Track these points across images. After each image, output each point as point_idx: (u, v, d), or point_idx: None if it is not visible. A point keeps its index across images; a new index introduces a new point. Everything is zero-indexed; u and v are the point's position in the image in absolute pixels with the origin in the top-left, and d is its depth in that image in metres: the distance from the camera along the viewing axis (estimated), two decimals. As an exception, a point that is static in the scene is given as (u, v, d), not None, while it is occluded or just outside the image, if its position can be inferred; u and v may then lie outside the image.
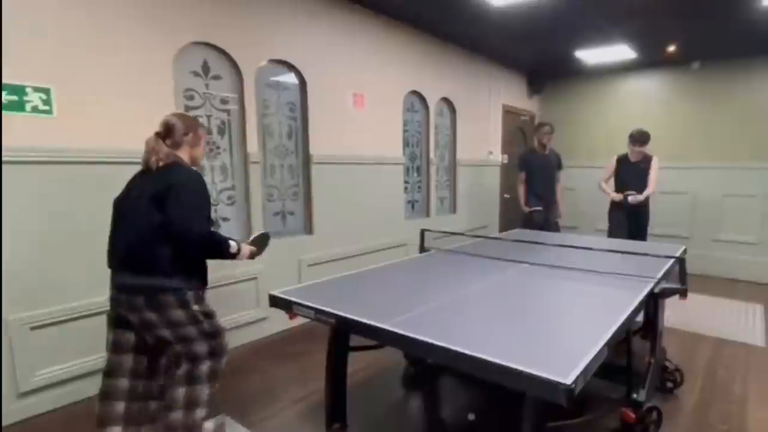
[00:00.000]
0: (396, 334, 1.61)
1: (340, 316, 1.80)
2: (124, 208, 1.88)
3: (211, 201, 3.07)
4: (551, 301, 2.04)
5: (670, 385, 2.67)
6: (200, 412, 1.85)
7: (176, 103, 2.82)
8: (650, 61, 5.57)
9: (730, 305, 4.40)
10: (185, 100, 2.90)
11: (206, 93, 3.00)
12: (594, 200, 6.02)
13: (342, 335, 2.22)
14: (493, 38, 4.82)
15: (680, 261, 2.36)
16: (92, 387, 2.57)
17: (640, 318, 2.74)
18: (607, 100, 6.27)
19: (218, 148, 3.10)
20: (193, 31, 2.86)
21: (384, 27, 4.16)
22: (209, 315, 1.90)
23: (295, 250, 3.60)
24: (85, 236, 2.46)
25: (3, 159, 2.16)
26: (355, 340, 2.04)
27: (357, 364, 2.89)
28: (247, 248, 2.05)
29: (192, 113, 2.94)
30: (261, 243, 2.18)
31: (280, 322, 3.43)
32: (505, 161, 6.26)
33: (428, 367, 2.82)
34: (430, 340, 1.51)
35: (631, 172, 4.39)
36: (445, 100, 5.13)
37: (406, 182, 4.71)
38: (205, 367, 1.89)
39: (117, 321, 1.87)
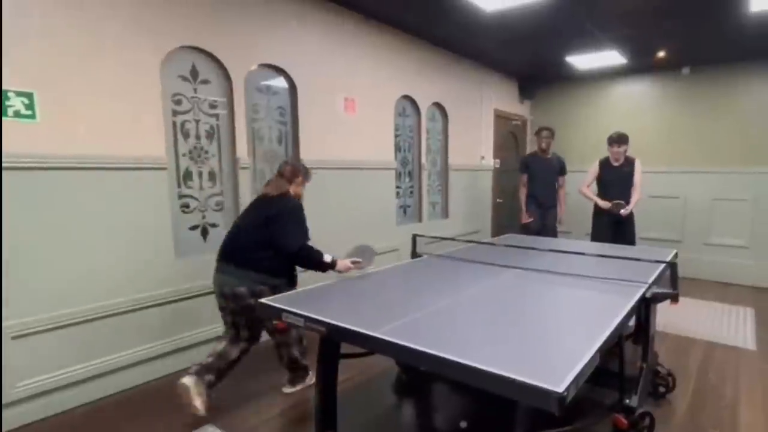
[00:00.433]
0: (386, 341, 1.58)
1: (331, 324, 1.77)
2: (243, 220, 2.54)
3: (201, 208, 3.05)
4: (543, 307, 2.03)
5: (662, 389, 2.66)
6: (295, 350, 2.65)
7: (164, 108, 2.78)
8: (640, 66, 5.61)
9: (722, 309, 4.41)
10: (173, 105, 2.87)
11: (194, 97, 2.97)
12: (586, 205, 6.04)
13: (332, 343, 2.19)
14: (485, 43, 4.83)
15: (671, 266, 2.35)
16: (75, 398, 2.52)
17: (632, 322, 2.74)
18: (598, 105, 6.31)
19: (206, 153, 3.06)
20: (182, 35, 2.83)
21: (375, 31, 4.16)
22: None
23: (286, 255, 3.55)
24: (68, 244, 2.41)
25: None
26: (346, 346, 2.01)
27: (348, 370, 2.86)
28: (343, 262, 2.44)
29: (180, 118, 2.91)
30: (363, 255, 2.51)
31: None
32: (497, 166, 6.27)
33: (420, 374, 2.79)
34: (420, 348, 1.48)
35: (614, 176, 4.39)
36: (437, 104, 5.13)
37: (398, 187, 4.69)
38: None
39: (220, 295, 2.50)
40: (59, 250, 2.40)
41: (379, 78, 4.27)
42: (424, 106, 4.89)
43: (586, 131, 6.36)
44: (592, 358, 1.43)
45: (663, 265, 2.51)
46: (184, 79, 2.92)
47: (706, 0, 3.53)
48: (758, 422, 2.43)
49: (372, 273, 2.59)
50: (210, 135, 3.07)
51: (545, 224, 4.94)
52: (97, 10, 2.45)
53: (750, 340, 3.59)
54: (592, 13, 3.84)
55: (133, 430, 2.37)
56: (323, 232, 3.75)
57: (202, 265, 3.02)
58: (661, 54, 5.05)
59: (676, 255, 2.97)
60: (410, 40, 4.56)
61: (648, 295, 2.14)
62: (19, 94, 2.20)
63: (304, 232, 2.49)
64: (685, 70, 5.59)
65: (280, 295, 2.20)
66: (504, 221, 6.42)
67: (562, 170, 5.01)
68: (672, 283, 2.26)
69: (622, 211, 4.26)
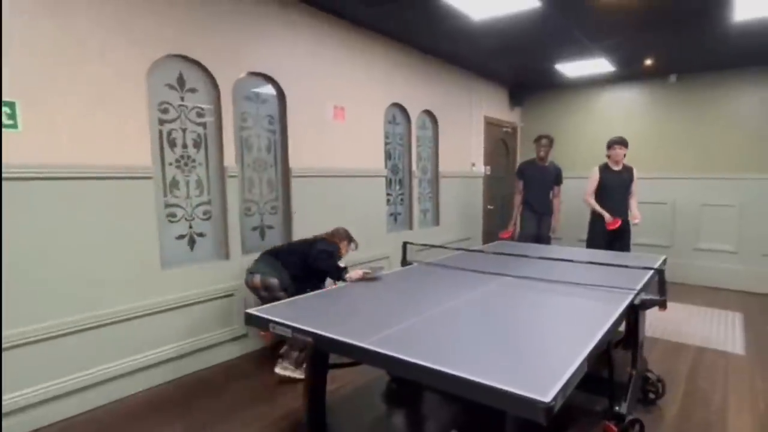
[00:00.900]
0: (373, 352, 1.57)
1: (318, 335, 1.76)
2: (282, 249, 3.17)
3: (188, 217, 3.02)
4: (531, 315, 2.02)
5: (652, 396, 2.66)
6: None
7: (150, 117, 2.76)
8: (629, 74, 5.68)
9: (711, 313, 4.44)
10: (160, 114, 2.84)
11: (181, 106, 2.95)
12: (576, 211, 6.08)
13: (320, 353, 2.16)
14: (474, 51, 4.86)
15: (659, 272, 2.36)
16: (58, 412, 2.47)
17: (622, 328, 2.74)
18: (587, 111, 6.36)
19: (194, 161, 3.04)
20: (169, 44, 2.81)
21: (364, 40, 4.17)
22: None
23: (275, 264, 3.53)
24: (49, 256, 2.37)
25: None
26: (335, 356, 1.99)
27: (337, 380, 2.84)
28: (356, 271, 2.70)
29: (166, 127, 2.88)
30: (375, 272, 2.72)
31: (258, 339, 3.36)
32: (488, 173, 6.29)
33: (410, 384, 2.77)
34: (406, 358, 1.47)
35: (615, 182, 4.40)
36: (427, 112, 5.15)
37: (388, 195, 4.69)
38: None
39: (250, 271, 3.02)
40: (40, 262, 2.35)
41: (369, 86, 4.28)
42: (415, 113, 4.90)
43: (575, 138, 6.41)
44: (580, 366, 1.42)
45: (651, 272, 2.52)
46: (171, 87, 2.90)
47: (692, 10, 3.58)
48: (747, 427, 2.44)
49: (361, 281, 2.58)
50: (197, 143, 3.05)
51: (540, 232, 4.96)
52: (81, 19, 2.43)
53: (739, 344, 3.60)
54: (580, 22, 3.89)
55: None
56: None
57: (189, 275, 2.99)
58: (649, 62, 5.12)
59: (664, 261, 2.98)
60: (400, 48, 4.58)
61: (636, 301, 2.14)
62: (1, 103, 2.17)
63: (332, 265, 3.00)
64: (673, 78, 5.67)
65: (269, 305, 2.18)
66: (495, 228, 6.42)
67: (557, 179, 5.04)
68: (660, 289, 2.27)
69: (634, 222, 4.33)
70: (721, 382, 2.96)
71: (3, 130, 2.18)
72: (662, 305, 2.20)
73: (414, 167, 4.96)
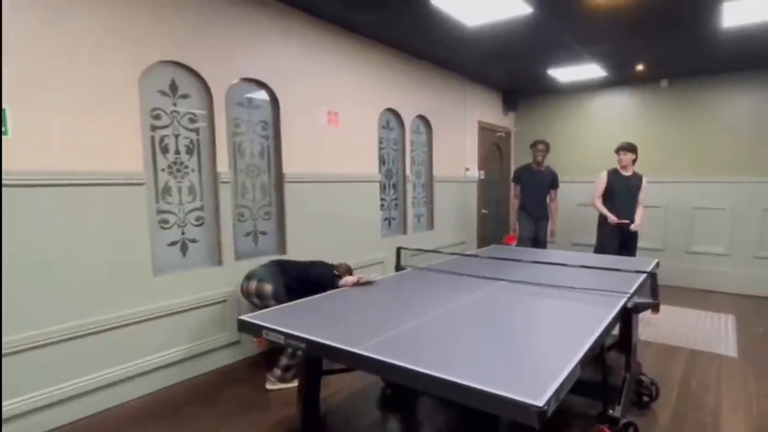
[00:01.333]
0: (366, 357, 1.56)
1: (311, 340, 1.75)
2: (289, 262, 3.20)
3: (180, 223, 3.00)
4: (525, 319, 2.02)
5: (646, 399, 2.67)
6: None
7: (142, 123, 2.75)
8: (620, 79, 5.72)
9: (704, 316, 4.46)
10: (152, 120, 2.83)
11: (174, 112, 2.94)
12: (569, 216, 6.12)
13: (314, 359, 2.16)
14: (468, 57, 4.89)
15: (652, 276, 2.37)
16: (50, 421, 2.44)
17: (616, 331, 2.75)
18: (580, 116, 6.40)
19: (186, 167, 3.03)
20: (161, 50, 2.81)
21: (358, 45, 4.18)
22: None
23: (269, 270, 3.51)
24: (39, 264, 2.35)
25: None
26: (329, 362, 1.98)
27: (332, 386, 2.82)
28: (350, 278, 2.74)
29: (158, 133, 2.87)
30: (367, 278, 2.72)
31: (251, 345, 3.33)
32: (482, 177, 6.30)
33: (405, 389, 2.76)
34: (399, 364, 1.47)
35: (623, 187, 4.40)
36: (421, 117, 5.16)
37: (382, 200, 4.69)
38: None
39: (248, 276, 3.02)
40: (30, 270, 2.33)
41: (363, 91, 4.28)
42: (408, 118, 4.92)
43: (568, 143, 6.45)
44: (573, 370, 1.42)
45: (644, 275, 2.54)
46: (163, 93, 2.89)
47: (682, 17, 3.62)
48: (740, 429, 2.44)
49: (355, 287, 2.57)
50: (190, 149, 3.04)
51: (537, 237, 4.98)
52: (72, 25, 2.42)
53: (732, 347, 3.62)
54: (572, 28, 3.92)
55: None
56: (308, 245, 3.73)
57: (182, 281, 2.97)
58: (640, 67, 5.16)
59: (657, 265, 3.00)
60: (394, 54, 4.60)
61: (629, 305, 2.15)
62: (1, 108, 2.16)
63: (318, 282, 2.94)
64: (664, 83, 5.72)
65: (262, 311, 2.17)
66: (489, 232, 6.44)
67: (554, 183, 5.07)
68: (652, 293, 2.28)
69: (632, 227, 4.32)
70: (715, 385, 2.97)
71: (-7, 136, 2.17)
72: (655, 308, 2.21)
73: (408, 172, 4.96)
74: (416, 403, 2.77)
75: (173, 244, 2.99)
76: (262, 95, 3.48)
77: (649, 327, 4.04)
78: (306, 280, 2.96)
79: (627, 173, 4.42)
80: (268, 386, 2.92)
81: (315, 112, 3.81)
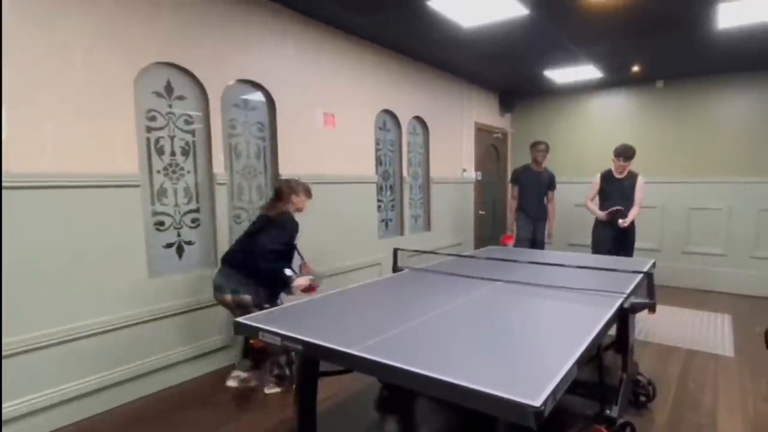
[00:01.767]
0: (363, 358, 1.55)
1: (308, 342, 1.74)
2: (236, 255, 2.85)
3: (176, 225, 2.99)
4: (521, 320, 2.02)
5: (643, 399, 2.67)
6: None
7: (137, 125, 2.74)
8: (616, 80, 5.74)
9: (701, 316, 4.47)
10: (147, 121, 2.82)
11: (169, 113, 2.93)
12: (566, 216, 6.12)
13: (311, 361, 2.15)
14: (464, 58, 4.89)
15: (648, 276, 2.38)
16: (43, 425, 2.42)
17: (613, 331, 2.75)
18: (577, 117, 6.42)
19: (182, 169, 3.01)
20: (156, 51, 2.80)
21: (355, 47, 4.18)
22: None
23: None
24: (34, 266, 2.34)
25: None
26: (326, 364, 1.97)
27: (329, 388, 2.81)
28: (302, 279, 2.75)
29: (154, 134, 2.86)
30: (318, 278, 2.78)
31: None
32: (479, 178, 6.31)
33: (403, 390, 2.76)
34: (396, 365, 1.46)
35: (615, 188, 4.39)
36: (418, 118, 5.16)
37: (379, 201, 4.68)
38: None
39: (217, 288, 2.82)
40: (24, 272, 2.31)
41: (359, 92, 4.28)
42: (405, 119, 4.92)
43: (565, 143, 6.46)
44: (570, 370, 1.42)
45: (641, 276, 2.54)
46: (159, 95, 2.88)
47: (678, 18, 3.64)
48: (737, 428, 2.45)
49: (353, 288, 2.56)
50: (186, 151, 3.03)
51: (535, 237, 4.98)
52: (65, 26, 2.41)
53: (728, 346, 3.63)
54: (568, 30, 3.93)
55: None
56: (304, 247, 3.72)
57: (178, 283, 2.96)
58: (636, 68, 5.18)
59: (653, 265, 3.00)
60: (390, 55, 4.60)
61: (626, 305, 2.15)
62: (1, 109, 2.15)
63: (280, 245, 2.77)
64: (660, 84, 5.74)
65: (257, 313, 2.16)
66: (486, 233, 6.45)
67: (551, 184, 5.07)
68: (649, 293, 2.28)
69: (620, 222, 4.22)
70: (711, 384, 2.97)
71: (-13, 138, 2.16)
72: (651, 308, 2.21)
73: (405, 173, 4.96)
74: (414, 404, 2.76)
75: (169, 246, 2.98)
76: (258, 96, 3.47)
77: (645, 327, 4.04)
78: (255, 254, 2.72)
79: (620, 176, 4.43)
80: (267, 391, 2.90)
81: (311, 113, 3.81)
